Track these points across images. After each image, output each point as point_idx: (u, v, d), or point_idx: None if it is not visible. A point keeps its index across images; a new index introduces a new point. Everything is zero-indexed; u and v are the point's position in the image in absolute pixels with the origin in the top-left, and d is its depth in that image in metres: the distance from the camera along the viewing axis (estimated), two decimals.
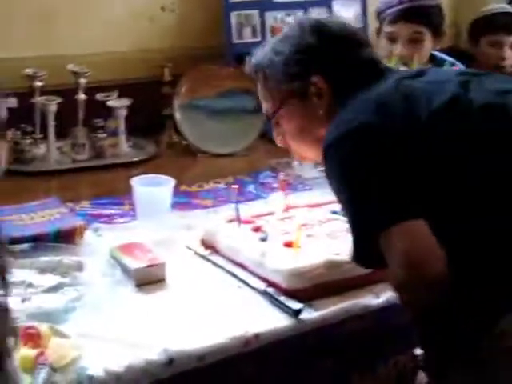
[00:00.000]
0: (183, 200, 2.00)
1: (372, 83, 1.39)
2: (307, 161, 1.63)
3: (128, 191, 1.91)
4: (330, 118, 1.40)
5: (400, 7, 2.14)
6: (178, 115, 2.43)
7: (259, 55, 1.53)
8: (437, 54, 2.25)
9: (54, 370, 1.19)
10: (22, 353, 1.19)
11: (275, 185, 2.10)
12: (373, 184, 1.25)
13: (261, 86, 1.54)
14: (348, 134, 1.29)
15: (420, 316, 1.23)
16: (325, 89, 1.43)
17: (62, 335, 1.28)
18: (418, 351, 1.46)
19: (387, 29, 2.18)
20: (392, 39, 2.16)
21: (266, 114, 1.54)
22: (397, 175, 1.24)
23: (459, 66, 2.19)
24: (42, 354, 1.19)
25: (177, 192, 1.88)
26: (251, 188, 2.12)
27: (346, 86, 1.41)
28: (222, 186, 2.14)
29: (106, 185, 2.16)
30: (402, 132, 1.26)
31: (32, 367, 1.17)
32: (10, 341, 0.99)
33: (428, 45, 2.17)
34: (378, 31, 2.22)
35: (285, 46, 1.48)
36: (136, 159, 2.31)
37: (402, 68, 1.95)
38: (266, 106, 1.54)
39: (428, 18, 2.15)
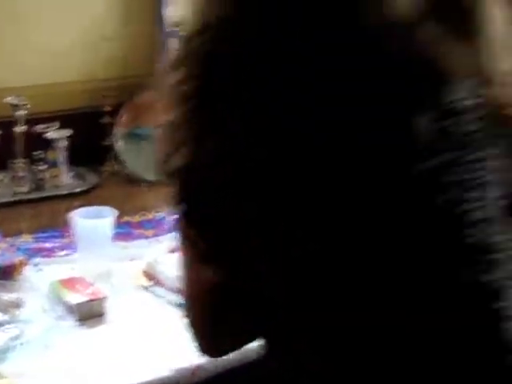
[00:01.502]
0: (125, 230, 1.98)
1: None
2: None
3: (69, 223, 1.89)
4: None
5: None
6: (118, 145, 2.42)
7: None
8: None
9: None
10: None
11: None
12: None
13: None
14: None
15: None
16: None
17: None
18: None
19: None
20: None
21: None
22: None
23: None
24: None
25: (119, 222, 1.86)
26: None
27: None
28: (163, 215, 2.13)
29: (47, 217, 2.13)
30: None
31: None
32: None
33: None
34: None
35: None
36: (78, 190, 2.28)
37: None
38: None
39: None
